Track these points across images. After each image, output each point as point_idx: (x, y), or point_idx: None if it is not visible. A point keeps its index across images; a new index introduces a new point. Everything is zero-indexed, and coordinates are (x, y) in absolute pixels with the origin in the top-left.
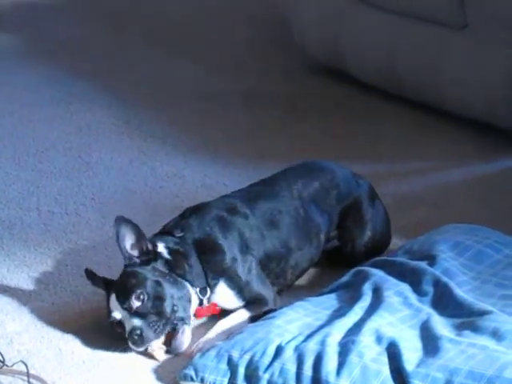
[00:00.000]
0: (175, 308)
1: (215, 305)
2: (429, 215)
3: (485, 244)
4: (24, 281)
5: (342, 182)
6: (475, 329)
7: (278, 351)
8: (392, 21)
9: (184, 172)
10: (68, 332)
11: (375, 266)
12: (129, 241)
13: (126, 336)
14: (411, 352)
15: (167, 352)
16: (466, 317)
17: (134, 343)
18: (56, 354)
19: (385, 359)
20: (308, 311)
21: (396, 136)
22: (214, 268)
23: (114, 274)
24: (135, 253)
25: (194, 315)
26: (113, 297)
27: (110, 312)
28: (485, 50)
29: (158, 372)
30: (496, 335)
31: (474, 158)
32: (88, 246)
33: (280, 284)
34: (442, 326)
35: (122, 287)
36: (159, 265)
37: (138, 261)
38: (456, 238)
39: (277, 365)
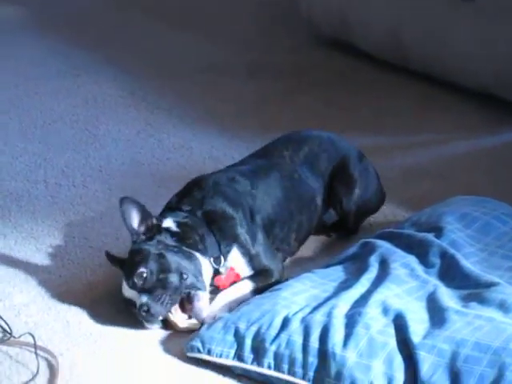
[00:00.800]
0: (184, 276)
1: (233, 269)
2: (435, 187)
3: (492, 216)
4: (31, 253)
5: (329, 146)
6: (482, 300)
7: (285, 323)
8: None
9: (191, 144)
10: (75, 304)
11: (382, 237)
12: (135, 219)
13: (137, 314)
14: (418, 324)
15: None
16: (472, 288)
17: (144, 320)
18: (63, 325)
19: (391, 331)
20: (315, 283)
21: (401, 108)
22: (226, 235)
23: (121, 245)
24: (142, 229)
25: (216, 286)
26: (123, 279)
27: (123, 293)
28: (491, 22)
29: (165, 344)
30: (503, 307)
31: (479, 130)
32: (95, 218)
33: (284, 250)
34: (448, 297)
35: (128, 267)
36: (165, 238)
37: (143, 237)
38: (463, 209)
39: (283, 336)
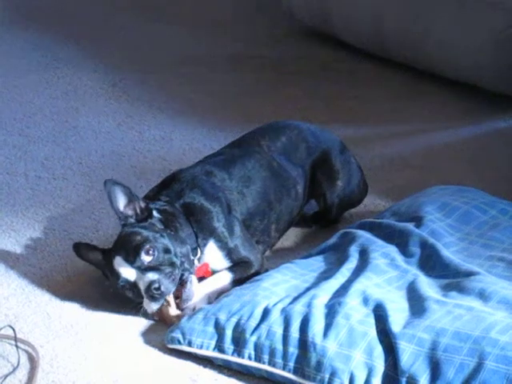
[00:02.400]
0: (182, 259)
1: (207, 265)
2: (415, 177)
3: (472, 205)
4: (11, 245)
5: (309, 136)
6: (462, 290)
7: (265, 314)
8: None
9: (172, 135)
10: (55, 296)
11: (362, 227)
12: (121, 202)
13: (143, 294)
14: (398, 313)
15: (178, 306)
16: (452, 278)
17: (153, 298)
18: (44, 317)
19: (371, 321)
20: (295, 273)
21: (383, 98)
22: (203, 228)
23: (101, 237)
24: (129, 212)
25: None
26: (118, 259)
27: (118, 276)
28: (472, 13)
29: (146, 335)
30: (482, 296)
31: (460, 120)
32: (75, 210)
33: (265, 242)
34: (428, 286)
35: (127, 247)
36: (155, 222)
37: (133, 220)
38: (443, 199)
39: (264, 327)
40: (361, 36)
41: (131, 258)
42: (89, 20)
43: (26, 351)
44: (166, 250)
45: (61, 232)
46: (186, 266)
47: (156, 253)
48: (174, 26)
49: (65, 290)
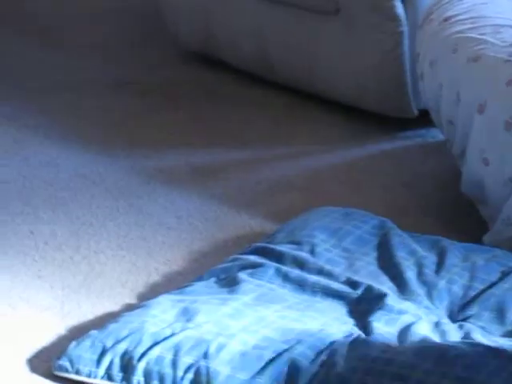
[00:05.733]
0: None
1: None
2: (300, 199)
3: (363, 230)
4: None
5: None
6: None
7: (154, 339)
8: (263, 6)
9: (57, 161)
10: None
11: (255, 253)
12: None
13: None
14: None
15: None
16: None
17: None
18: None
19: (267, 344)
20: (184, 299)
21: (269, 122)
22: None
23: None
24: None
25: None
26: None
27: None
28: (356, 35)
29: (32, 363)
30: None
31: (346, 142)
32: None
33: None
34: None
35: None
36: None
37: None
38: (335, 224)
39: (152, 353)
40: (247, 60)
41: None
42: None
43: None
44: None
45: None
46: None
47: None
48: (58, 52)
49: None
